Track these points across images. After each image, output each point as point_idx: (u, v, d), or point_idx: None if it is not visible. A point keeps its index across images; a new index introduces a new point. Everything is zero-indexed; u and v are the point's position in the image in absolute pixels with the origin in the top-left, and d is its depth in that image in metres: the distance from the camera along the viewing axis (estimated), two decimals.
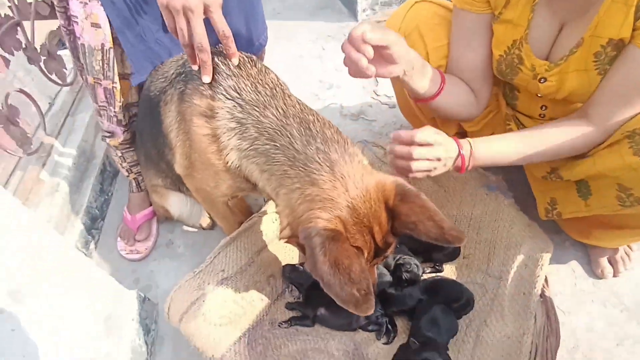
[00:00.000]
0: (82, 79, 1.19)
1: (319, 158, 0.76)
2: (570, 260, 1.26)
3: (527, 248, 1.11)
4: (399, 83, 1.19)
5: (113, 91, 1.15)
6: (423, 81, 0.97)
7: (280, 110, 0.83)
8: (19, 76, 1.41)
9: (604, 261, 1.20)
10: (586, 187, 0.99)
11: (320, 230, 0.70)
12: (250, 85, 0.85)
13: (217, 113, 0.86)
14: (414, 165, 0.88)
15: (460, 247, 1.21)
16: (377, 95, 1.82)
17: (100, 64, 1.08)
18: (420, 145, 0.87)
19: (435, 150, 0.88)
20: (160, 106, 0.98)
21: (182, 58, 1.01)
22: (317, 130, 0.80)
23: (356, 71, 0.85)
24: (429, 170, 0.91)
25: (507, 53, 0.98)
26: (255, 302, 1.03)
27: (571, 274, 1.24)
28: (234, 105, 0.84)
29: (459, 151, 0.92)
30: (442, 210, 1.28)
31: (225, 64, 0.88)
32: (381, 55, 0.86)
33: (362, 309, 0.65)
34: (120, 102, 1.17)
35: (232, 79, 0.86)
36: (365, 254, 0.75)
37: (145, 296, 1.18)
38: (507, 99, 1.17)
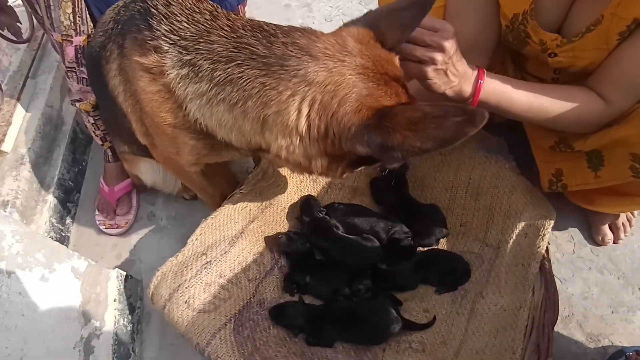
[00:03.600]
0: (46, 33, 1.03)
1: (292, 51, 0.66)
2: (570, 227, 1.22)
3: (528, 216, 1.05)
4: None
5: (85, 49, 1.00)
6: None
7: (226, 28, 0.71)
8: None
9: (605, 228, 1.15)
10: (598, 158, 0.91)
11: (382, 124, 0.63)
12: (185, 20, 0.74)
13: (165, 64, 0.74)
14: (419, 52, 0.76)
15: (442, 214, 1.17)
16: None
17: (71, 17, 0.93)
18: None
19: (439, 38, 0.75)
20: (102, 65, 0.85)
21: (117, 6, 0.86)
22: (272, 28, 0.70)
23: None
24: (435, 63, 0.76)
25: (513, 25, 0.87)
26: (241, 283, 0.98)
27: (570, 240, 1.20)
28: (179, 51, 0.73)
29: (477, 79, 0.82)
30: (438, 175, 1.25)
31: (154, 7, 0.76)
32: None
33: (477, 120, 0.60)
34: None
35: (165, 22, 0.74)
36: (403, 97, 0.69)
37: (127, 274, 1.13)
38: (516, 61, 1.05)
